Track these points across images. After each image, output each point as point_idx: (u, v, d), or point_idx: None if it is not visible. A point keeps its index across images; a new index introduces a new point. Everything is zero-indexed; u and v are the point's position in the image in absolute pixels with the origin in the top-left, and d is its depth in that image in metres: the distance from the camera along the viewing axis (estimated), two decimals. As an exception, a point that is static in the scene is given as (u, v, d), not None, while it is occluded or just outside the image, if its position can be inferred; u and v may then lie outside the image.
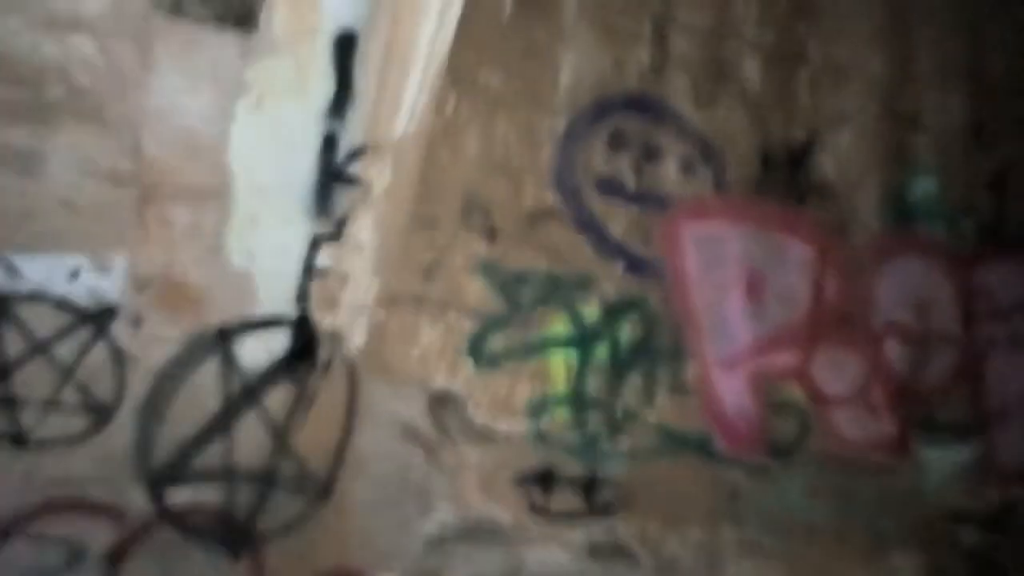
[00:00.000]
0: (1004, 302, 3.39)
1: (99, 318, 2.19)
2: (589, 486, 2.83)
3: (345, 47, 2.29)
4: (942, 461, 3.25)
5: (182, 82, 2.12)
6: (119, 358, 2.22)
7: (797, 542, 3.06)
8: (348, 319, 2.44)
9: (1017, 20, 3.39)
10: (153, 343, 2.25)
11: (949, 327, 3.32)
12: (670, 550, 2.93)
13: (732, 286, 3.05)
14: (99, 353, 2.20)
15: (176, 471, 2.31)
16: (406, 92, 2.36)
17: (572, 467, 2.82)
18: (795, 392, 3.13)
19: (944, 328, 3.31)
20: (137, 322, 2.20)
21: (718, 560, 2.99)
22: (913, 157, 3.29)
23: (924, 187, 3.29)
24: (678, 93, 3.02)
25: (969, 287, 3.35)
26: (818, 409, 3.14)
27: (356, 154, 2.38)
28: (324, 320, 2.40)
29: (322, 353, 2.43)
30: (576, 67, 2.87)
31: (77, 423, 2.19)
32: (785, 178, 3.13)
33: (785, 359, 3.11)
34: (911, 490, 3.22)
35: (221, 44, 2.14)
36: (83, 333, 2.18)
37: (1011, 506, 3.32)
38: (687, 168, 3.02)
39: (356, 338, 2.49)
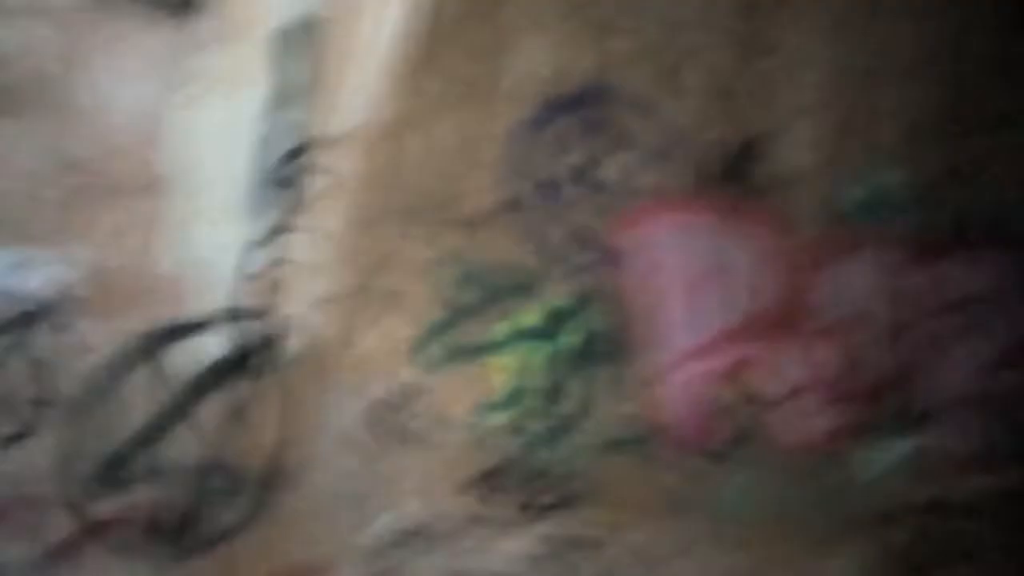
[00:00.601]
0: (945, 299, 3.44)
1: (23, 321, 2.11)
2: (531, 488, 2.83)
3: (288, 41, 2.21)
4: (879, 457, 3.32)
5: (114, 76, 2.03)
6: (44, 362, 2.14)
7: (736, 542, 3.10)
8: (296, 317, 2.38)
9: (982, 12, 3.42)
10: (82, 347, 2.17)
11: (898, 321, 3.36)
12: (610, 553, 2.95)
13: (680, 286, 3.05)
14: (25, 355, 2.12)
15: (105, 480, 2.24)
16: (363, 83, 2.28)
17: (515, 469, 2.81)
18: (738, 391, 3.16)
19: (893, 322, 3.36)
20: (62, 326, 2.12)
21: (660, 558, 3.02)
22: (876, 148, 3.31)
23: (880, 182, 3.33)
24: (640, 84, 2.99)
25: (922, 281, 3.40)
26: (760, 408, 3.17)
27: (296, 153, 2.32)
28: (269, 319, 2.34)
29: (257, 357, 2.38)
30: (535, 57, 2.82)
31: (-1, 430, 2.12)
32: (745, 171, 3.13)
33: (735, 355, 3.13)
34: (849, 486, 3.27)
35: (172, 37, 2.05)
36: (4, 337, 2.10)
37: (944, 501, 3.40)
38: (637, 166, 3.00)
39: (293, 343, 2.44)
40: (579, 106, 2.93)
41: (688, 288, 3.06)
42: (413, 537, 2.69)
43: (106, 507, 2.25)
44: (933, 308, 3.34)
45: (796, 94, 3.15)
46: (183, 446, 2.34)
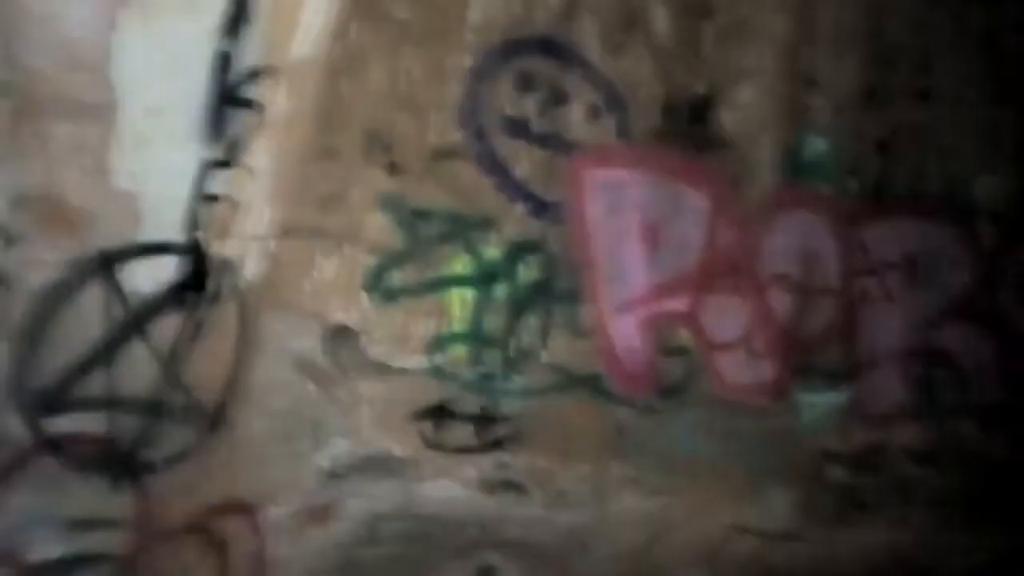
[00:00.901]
0: (881, 259, 3.58)
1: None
2: (483, 422, 2.88)
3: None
4: (817, 405, 3.44)
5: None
6: (-2, 278, 2.11)
7: (680, 478, 3.20)
8: (241, 248, 2.39)
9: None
10: (32, 265, 2.15)
11: (830, 280, 3.48)
12: (559, 484, 3.03)
13: (630, 232, 3.11)
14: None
15: (57, 399, 2.23)
16: (304, 13, 2.28)
17: (467, 403, 2.86)
18: (685, 336, 3.25)
19: (826, 280, 3.48)
20: (13, 241, 2.09)
21: (605, 494, 3.11)
22: (808, 116, 3.40)
23: (816, 145, 3.42)
24: (587, 39, 3.02)
25: (851, 243, 3.52)
26: (706, 353, 3.27)
27: (252, 76, 2.30)
28: (216, 248, 2.35)
29: (213, 282, 2.38)
30: (486, 5, 2.84)
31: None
32: (686, 129, 3.20)
33: (677, 305, 3.21)
34: (788, 431, 3.40)
35: None
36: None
37: (877, 448, 3.56)
38: (592, 114, 3.05)
39: (249, 268, 2.44)
40: (539, 50, 2.96)
41: (639, 235, 3.14)
42: (369, 463, 2.73)
43: (62, 423, 2.24)
44: (862, 268, 3.49)
45: (734, 59, 3.24)
46: (138, 368, 2.34)
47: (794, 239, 3.39)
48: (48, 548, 2.34)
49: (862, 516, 3.48)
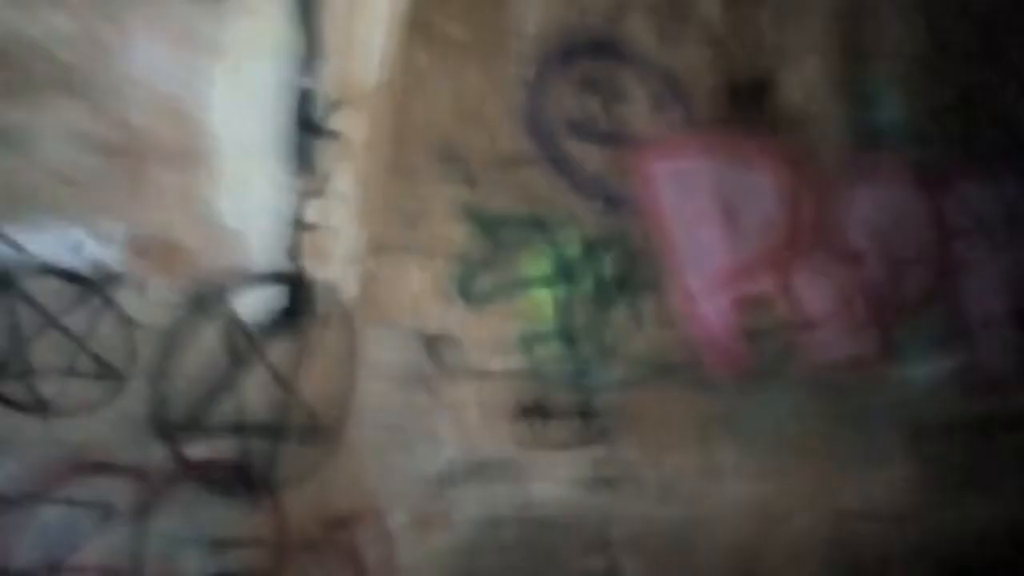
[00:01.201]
0: (961, 223, 3.50)
1: (105, 287, 2.27)
2: (584, 416, 2.94)
3: (309, 2, 2.38)
4: (920, 376, 3.36)
5: (159, 50, 2.19)
6: (127, 324, 2.30)
7: (785, 461, 3.17)
8: (340, 270, 2.54)
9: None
10: (156, 306, 2.34)
11: (921, 246, 3.42)
12: (666, 475, 3.04)
13: (706, 217, 3.15)
14: (108, 321, 2.29)
15: (191, 427, 2.40)
16: (369, 43, 2.44)
17: (566, 399, 2.93)
18: (776, 314, 3.24)
19: (916, 247, 3.42)
20: (141, 288, 2.29)
21: (711, 483, 3.11)
22: (871, 85, 3.39)
23: (889, 112, 3.39)
24: (641, 35, 3.10)
25: (938, 206, 3.46)
26: (800, 329, 3.25)
27: (331, 107, 2.46)
28: (317, 273, 2.50)
29: (318, 305, 2.53)
30: (538, 16, 2.95)
31: (94, 389, 2.26)
32: (750, 112, 3.23)
33: (764, 282, 3.21)
34: (896, 403, 3.33)
35: (193, 11, 2.22)
36: (92, 303, 2.27)
37: (988, 417, 3.43)
38: (655, 107, 3.11)
39: (349, 288, 2.59)
40: (595, 50, 3.05)
41: (717, 218, 3.16)
42: (478, 467, 2.83)
43: (197, 450, 2.41)
44: (950, 231, 3.40)
45: (792, 37, 3.25)
46: (260, 392, 2.50)
47: (876, 208, 3.36)
48: (196, 567, 2.51)
49: (979, 491, 3.35)
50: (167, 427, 2.37)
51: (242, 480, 2.51)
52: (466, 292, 2.83)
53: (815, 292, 3.28)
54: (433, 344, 2.78)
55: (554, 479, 2.94)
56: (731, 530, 3.11)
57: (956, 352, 3.42)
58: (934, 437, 3.36)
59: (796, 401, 3.21)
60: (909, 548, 3.28)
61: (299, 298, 2.50)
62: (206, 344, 2.40)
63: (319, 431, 2.59)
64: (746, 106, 3.21)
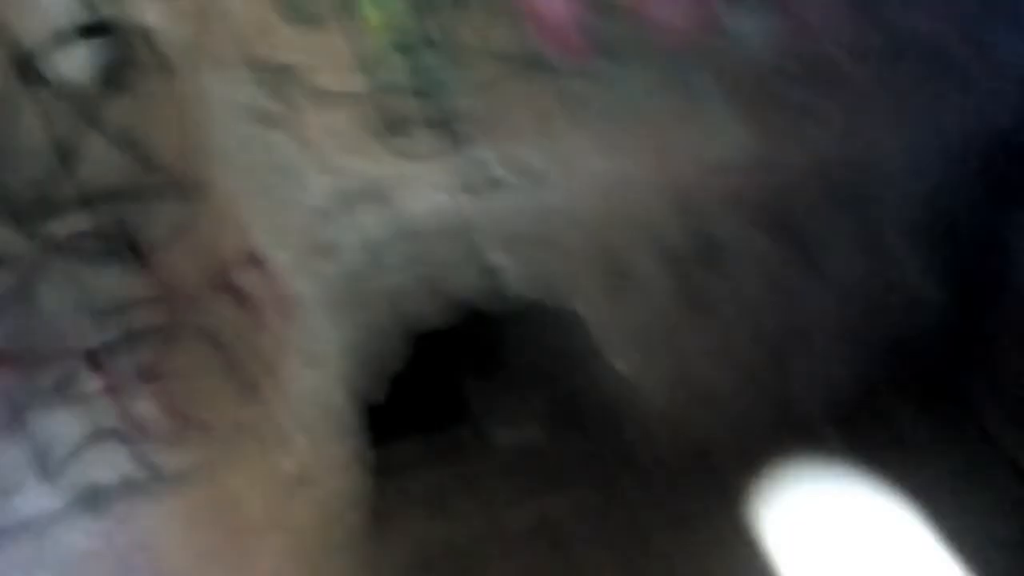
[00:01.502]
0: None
1: None
2: (445, 123, 2.97)
3: None
4: (754, 28, 3.46)
5: None
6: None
7: (641, 132, 3.30)
8: (153, 11, 2.32)
9: None
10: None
11: None
12: (534, 166, 3.14)
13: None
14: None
15: (42, 205, 2.30)
16: None
17: (417, 111, 2.90)
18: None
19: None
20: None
21: (575, 164, 3.25)
22: None
23: None
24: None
25: None
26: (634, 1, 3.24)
27: None
28: (133, 18, 2.28)
29: (141, 54, 2.35)
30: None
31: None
32: None
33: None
34: (733, 59, 3.45)
35: None
36: None
37: (819, 56, 3.60)
38: None
39: (173, 31, 2.40)
40: None
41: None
42: (343, 196, 2.86)
43: (59, 227, 2.33)
44: None
45: None
46: (106, 158, 2.38)
47: None
48: (93, 338, 2.55)
49: (817, 130, 3.59)
50: (17, 210, 2.27)
51: (115, 248, 2.48)
52: (294, 13, 2.65)
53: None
54: (272, 75, 2.65)
55: (429, 191, 2.99)
56: (589, 210, 3.28)
57: (775, 11, 3.51)
58: (767, 84, 3.53)
59: (642, 74, 3.28)
60: (766, 196, 3.56)
61: (120, 50, 2.30)
62: (36, 118, 2.23)
63: (181, 185, 2.53)
64: None
